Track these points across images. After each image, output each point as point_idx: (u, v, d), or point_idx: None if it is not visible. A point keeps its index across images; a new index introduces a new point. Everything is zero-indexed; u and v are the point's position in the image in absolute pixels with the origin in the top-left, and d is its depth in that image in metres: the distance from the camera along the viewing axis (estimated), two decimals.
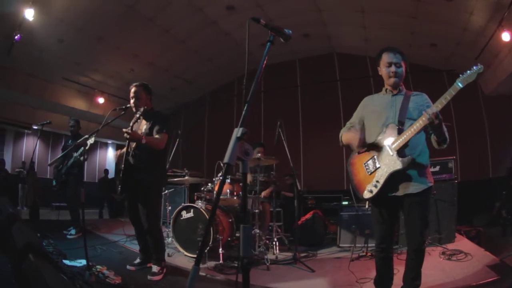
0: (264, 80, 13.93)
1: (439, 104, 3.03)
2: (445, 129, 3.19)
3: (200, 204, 6.17)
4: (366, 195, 3.38)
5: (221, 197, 6.20)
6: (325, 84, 13.27)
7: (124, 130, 4.51)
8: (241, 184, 6.32)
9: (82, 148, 6.53)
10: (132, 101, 4.96)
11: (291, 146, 6.38)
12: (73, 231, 7.26)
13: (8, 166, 14.47)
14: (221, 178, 6.35)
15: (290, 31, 2.27)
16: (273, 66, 13.21)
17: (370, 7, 9.96)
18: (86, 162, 7.30)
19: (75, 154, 7.00)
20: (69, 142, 7.72)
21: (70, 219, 7.61)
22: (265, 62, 2.14)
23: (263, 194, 7.07)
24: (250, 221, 6.28)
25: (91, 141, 5.74)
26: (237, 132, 1.85)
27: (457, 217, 6.45)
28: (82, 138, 4.98)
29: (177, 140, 7.71)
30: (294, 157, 6.26)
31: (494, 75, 9.83)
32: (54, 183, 7.60)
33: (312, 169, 12.70)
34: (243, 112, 1.97)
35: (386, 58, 3.47)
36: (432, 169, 6.52)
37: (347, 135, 3.59)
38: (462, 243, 6.03)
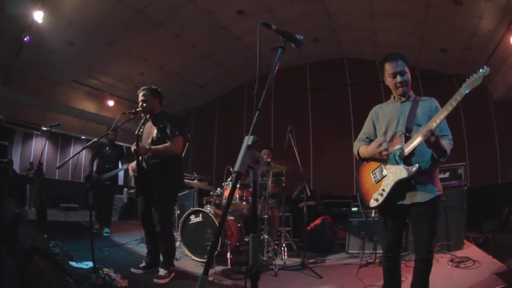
0: (274, 85, 13.83)
1: (439, 118, 3.01)
2: (445, 143, 3.13)
3: (209, 208, 6.16)
4: (372, 203, 3.35)
5: None
6: (335, 89, 13.21)
7: (132, 148, 4.70)
8: (250, 189, 6.33)
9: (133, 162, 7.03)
10: (140, 104, 5.04)
11: (301, 151, 6.36)
12: (107, 229, 8.15)
13: (16, 167, 14.53)
14: (230, 183, 6.38)
15: (302, 37, 2.25)
16: (282, 71, 13.13)
17: (380, 12, 9.93)
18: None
19: (124, 166, 7.88)
20: (107, 149, 8.40)
21: (103, 219, 8.38)
22: (276, 68, 2.13)
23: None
24: (259, 228, 6.27)
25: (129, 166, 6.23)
26: (248, 140, 1.83)
27: (466, 224, 6.43)
28: (91, 142, 5.01)
29: (187, 144, 7.74)
30: (304, 162, 6.25)
31: (504, 80, 9.76)
32: (89, 186, 8.07)
33: (322, 174, 12.62)
34: (254, 120, 1.95)
35: (389, 68, 3.42)
36: (441, 176, 6.53)
37: (365, 149, 3.49)
38: (470, 250, 6.02)
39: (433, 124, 2.99)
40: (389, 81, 3.47)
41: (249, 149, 1.78)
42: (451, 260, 5.33)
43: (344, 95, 13.29)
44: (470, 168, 9.50)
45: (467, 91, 2.93)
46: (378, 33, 11.06)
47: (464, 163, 6.88)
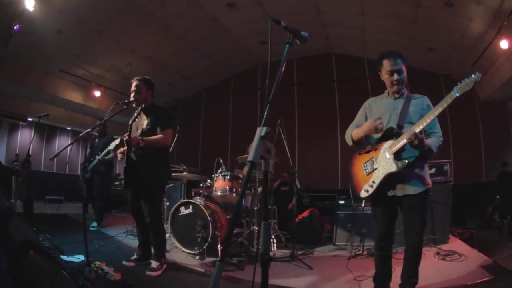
0: (260, 79, 14.00)
1: (429, 118, 3.14)
2: (432, 141, 3.28)
3: (199, 200, 6.14)
4: (363, 194, 3.49)
5: (220, 193, 6.22)
6: (322, 84, 13.34)
7: (124, 138, 4.63)
8: (240, 181, 6.36)
9: (107, 149, 6.87)
10: (132, 94, 4.97)
11: (287, 144, 6.41)
12: (95, 224, 7.94)
13: (2, 158, 14.37)
14: (226, 175, 6.39)
15: (307, 34, 2.32)
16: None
17: (370, 10, 10.03)
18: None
19: (97, 157, 7.47)
20: (96, 140, 8.23)
21: (94, 213, 8.21)
22: (284, 64, 2.18)
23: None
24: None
25: (116, 142, 5.97)
26: (261, 131, 1.88)
27: (451, 219, 6.56)
28: (85, 132, 4.98)
29: (176, 136, 7.71)
30: (290, 156, 6.29)
31: (491, 81, 9.95)
32: (80, 178, 8.03)
33: (307, 168, 12.65)
34: (266, 112, 2.00)
35: (387, 65, 3.51)
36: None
37: (359, 129, 3.59)
38: (455, 244, 6.13)
39: (416, 128, 3.13)
40: (385, 77, 3.57)
41: (262, 140, 1.83)
42: (438, 253, 5.45)
43: (331, 90, 13.40)
44: (455, 166, 9.64)
45: (458, 95, 3.06)
46: (367, 31, 11.16)
47: (449, 160, 7.01)
